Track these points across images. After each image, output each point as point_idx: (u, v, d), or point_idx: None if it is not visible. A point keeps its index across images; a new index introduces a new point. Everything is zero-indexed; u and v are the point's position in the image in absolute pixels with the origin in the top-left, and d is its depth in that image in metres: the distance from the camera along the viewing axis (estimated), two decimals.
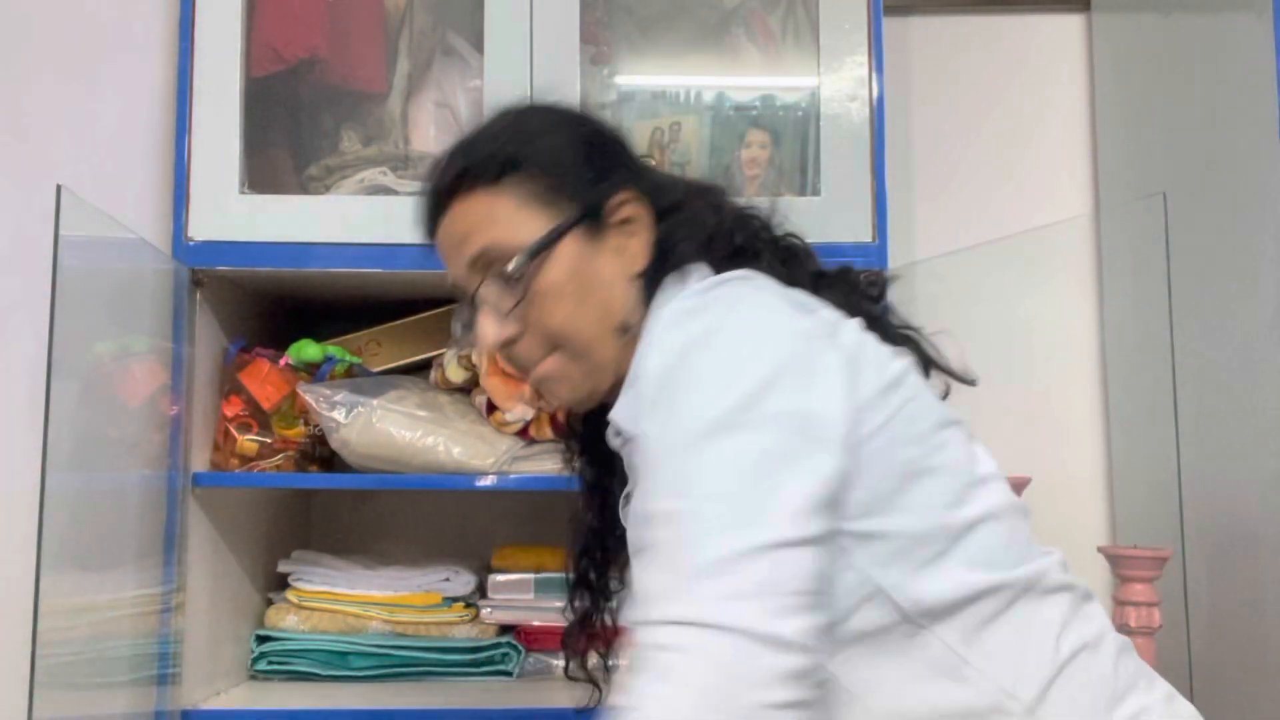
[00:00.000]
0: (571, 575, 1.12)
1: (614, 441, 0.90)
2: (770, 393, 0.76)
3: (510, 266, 0.91)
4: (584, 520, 1.09)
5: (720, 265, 0.92)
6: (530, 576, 1.61)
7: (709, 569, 0.71)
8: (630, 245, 0.95)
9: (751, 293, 0.86)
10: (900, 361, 0.88)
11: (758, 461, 0.74)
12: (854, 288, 0.99)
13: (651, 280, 0.93)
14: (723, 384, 0.77)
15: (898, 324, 0.99)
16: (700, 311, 0.82)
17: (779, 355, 0.79)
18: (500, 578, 1.61)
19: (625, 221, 0.95)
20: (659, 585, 0.73)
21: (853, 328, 0.87)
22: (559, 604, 1.59)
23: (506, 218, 0.93)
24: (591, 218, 0.93)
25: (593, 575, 1.11)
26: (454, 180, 0.96)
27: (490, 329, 0.95)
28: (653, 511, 0.76)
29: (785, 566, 0.72)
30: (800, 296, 0.88)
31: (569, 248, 0.92)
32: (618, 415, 0.88)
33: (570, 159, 0.95)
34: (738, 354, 0.79)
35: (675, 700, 0.69)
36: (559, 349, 0.94)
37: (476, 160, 0.95)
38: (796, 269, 0.97)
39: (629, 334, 0.92)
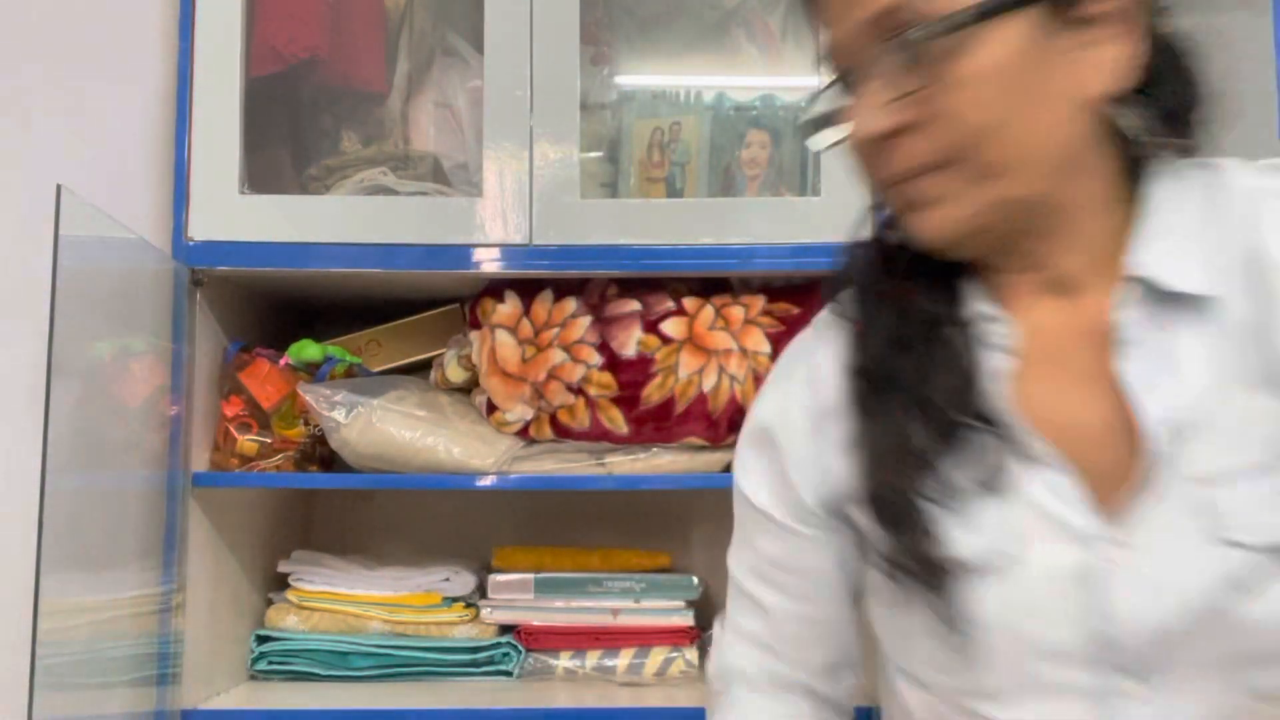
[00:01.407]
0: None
1: (1141, 319, 0.70)
2: None
3: (924, 34, 0.67)
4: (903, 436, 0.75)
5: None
6: (530, 576, 1.61)
7: None
8: (1103, 58, 0.69)
9: None
10: None
11: None
12: None
13: (1118, 124, 0.73)
14: None
15: None
16: None
17: None
18: (500, 578, 1.61)
19: (1108, 18, 0.69)
20: None
21: None
22: (559, 604, 1.60)
23: None
24: (1058, 4, 0.68)
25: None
26: None
27: (872, 117, 0.70)
28: None
29: None
30: None
31: (1013, 32, 0.67)
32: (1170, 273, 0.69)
33: None
34: None
35: None
36: (958, 163, 0.70)
37: None
38: None
39: (1069, 167, 0.71)
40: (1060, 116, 0.69)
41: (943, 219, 0.72)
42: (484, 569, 1.66)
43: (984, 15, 0.66)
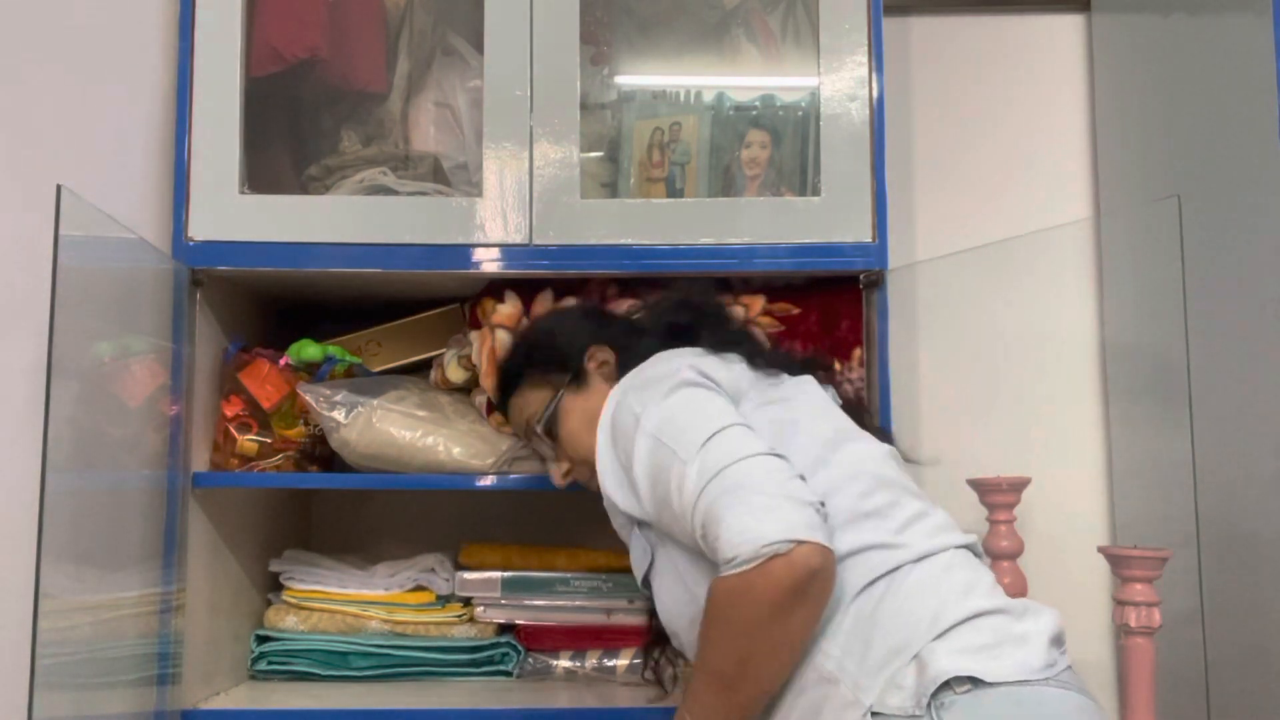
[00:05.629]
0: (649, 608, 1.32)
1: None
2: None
3: (538, 429, 1.32)
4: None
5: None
6: (498, 575, 1.61)
7: None
8: (610, 376, 1.30)
9: (659, 359, 1.23)
10: (783, 384, 1.24)
11: None
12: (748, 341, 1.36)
13: None
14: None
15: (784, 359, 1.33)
16: (633, 380, 1.21)
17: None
18: (468, 575, 1.61)
19: (601, 364, 1.32)
20: None
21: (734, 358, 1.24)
22: (532, 602, 1.60)
23: (530, 402, 1.35)
24: (576, 376, 1.32)
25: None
26: (500, 396, 1.42)
27: (554, 470, 1.35)
28: None
29: None
30: (690, 352, 1.23)
31: (568, 402, 1.31)
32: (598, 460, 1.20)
33: (553, 346, 1.35)
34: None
35: None
36: (592, 470, 1.23)
37: (504, 377, 1.40)
38: (708, 339, 1.29)
39: None
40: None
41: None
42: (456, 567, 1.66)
43: (550, 410, 1.31)
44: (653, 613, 1.26)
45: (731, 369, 1.21)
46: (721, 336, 1.30)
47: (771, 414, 1.16)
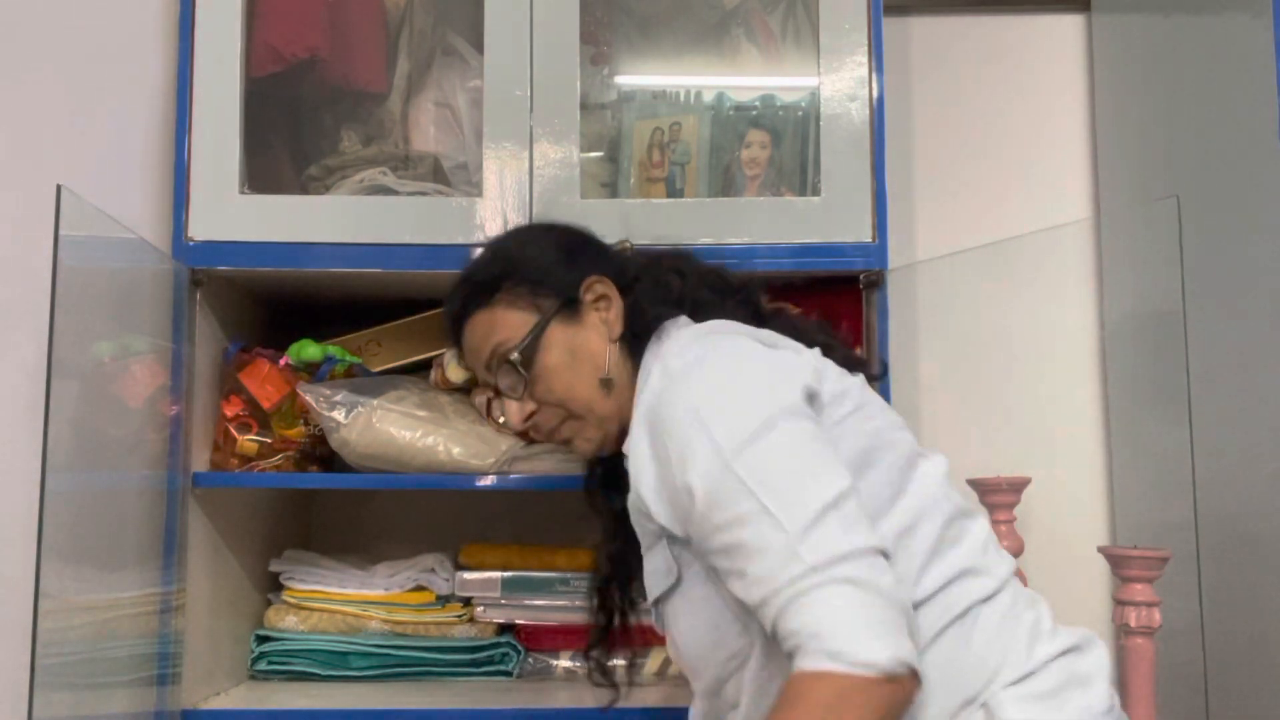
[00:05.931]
0: (596, 600, 1.27)
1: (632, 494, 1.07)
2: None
3: (513, 357, 1.14)
4: (610, 546, 1.23)
5: (694, 317, 1.15)
6: (498, 575, 1.61)
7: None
8: (607, 316, 1.17)
9: (730, 339, 1.06)
10: (849, 379, 1.08)
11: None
12: (793, 322, 1.21)
13: (631, 340, 1.15)
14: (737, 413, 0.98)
15: (845, 346, 1.21)
16: (695, 365, 1.02)
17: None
18: (468, 575, 1.61)
19: (599, 299, 1.17)
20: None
21: (812, 354, 1.09)
22: (531, 602, 1.60)
23: (504, 323, 1.16)
24: (569, 304, 1.16)
25: (618, 594, 1.25)
26: (460, 308, 1.20)
27: (513, 410, 1.18)
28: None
29: None
30: (766, 335, 1.09)
31: (555, 333, 1.15)
32: (629, 449, 1.07)
33: (544, 264, 1.18)
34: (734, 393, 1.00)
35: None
36: (570, 414, 1.15)
37: (472, 287, 1.19)
38: (748, 310, 1.19)
39: (615, 387, 1.14)
40: (598, 364, 1.14)
41: (582, 445, 1.18)
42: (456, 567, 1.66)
43: (535, 336, 1.14)
44: (602, 610, 1.25)
45: (815, 372, 1.05)
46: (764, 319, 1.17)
47: (852, 427, 1.04)
